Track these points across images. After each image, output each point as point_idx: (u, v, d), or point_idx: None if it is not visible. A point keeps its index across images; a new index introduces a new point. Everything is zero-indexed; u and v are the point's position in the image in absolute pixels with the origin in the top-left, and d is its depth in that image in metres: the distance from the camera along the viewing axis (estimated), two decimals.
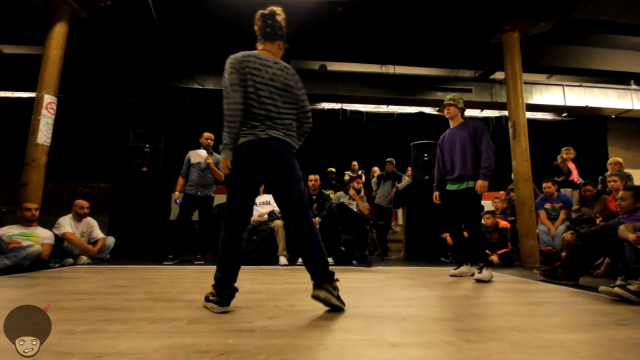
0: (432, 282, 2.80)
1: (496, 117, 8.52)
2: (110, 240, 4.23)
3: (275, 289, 2.40)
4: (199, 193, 4.17)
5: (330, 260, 4.05)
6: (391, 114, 8.42)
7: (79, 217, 4.07)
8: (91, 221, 4.19)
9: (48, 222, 4.00)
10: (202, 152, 4.21)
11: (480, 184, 2.91)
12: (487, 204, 5.52)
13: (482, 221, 4.54)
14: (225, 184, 1.86)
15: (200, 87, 7.08)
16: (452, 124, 3.27)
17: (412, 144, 5.64)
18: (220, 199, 4.43)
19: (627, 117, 8.72)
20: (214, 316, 1.55)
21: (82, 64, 6.70)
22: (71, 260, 3.74)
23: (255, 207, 4.55)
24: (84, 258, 3.84)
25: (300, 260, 4.04)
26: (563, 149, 5.66)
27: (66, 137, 6.57)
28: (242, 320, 1.48)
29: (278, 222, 4.21)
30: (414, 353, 1.13)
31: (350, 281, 2.77)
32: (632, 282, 2.04)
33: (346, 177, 6.38)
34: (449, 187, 3.17)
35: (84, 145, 7.30)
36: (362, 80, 7.67)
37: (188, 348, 1.13)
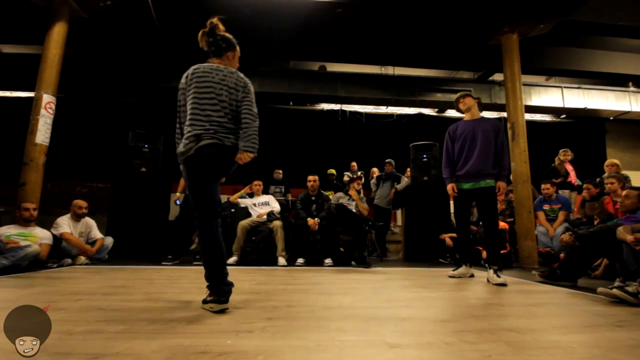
0: (431, 283, 2.80)
1: (495, 119, 8.53)
2: (109, 241, 4.22)
3: (274, 289, 2.39)
4: None
5: (329, 260, 4.06)
6: (390, 115, 8.44)
7: (77, 217, 4.05)
8: (90, 221, 4.17)
9: (46, 222, 3.98)
10: None
11: (503, 185, 2.89)
12: None
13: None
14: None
15: None
16: (468, 117, 3.17)
17: (411, 145, 5.64)
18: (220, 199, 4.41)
19: (625, 119, 8.77)
20: (212, 317, 1.55)
21: (81, 64, 6.69)
22: (69, 260, 3.72)
23: (254, 207, 4.55)
24: (83, 258, 3.83)
25: (299, 261, 4.04)
26: (560, 150, 5.67)
27: (65, 137, 6.56)
28: (241, 321, 1.48)
29: (277, 223, 4.21)
30: (412, 354, 1.13)
31: (349, 282, 2.77)
32: (630, 284, 2.05)
33: (345, 178, 6.39)
34: (463, 185, 3.05)
35: (83, 145, 7.28)
36: (362, 81, 7.68)
37: (187, 349, 1.13)
